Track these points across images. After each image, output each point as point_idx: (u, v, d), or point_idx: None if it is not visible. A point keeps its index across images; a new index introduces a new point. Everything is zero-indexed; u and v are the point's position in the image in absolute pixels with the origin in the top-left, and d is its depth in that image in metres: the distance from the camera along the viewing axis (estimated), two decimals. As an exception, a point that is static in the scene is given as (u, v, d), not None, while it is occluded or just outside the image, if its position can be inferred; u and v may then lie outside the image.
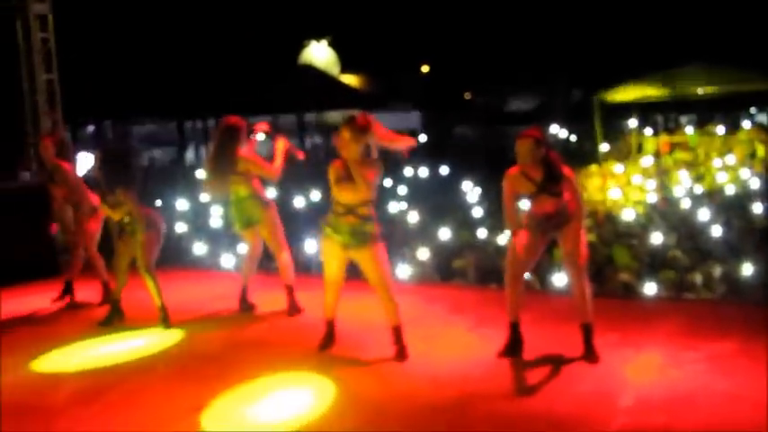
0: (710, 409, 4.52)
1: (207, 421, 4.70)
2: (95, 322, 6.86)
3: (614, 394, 4.79)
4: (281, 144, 6.65)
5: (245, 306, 6.98)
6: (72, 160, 7.72)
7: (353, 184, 5.43)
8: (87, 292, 7.73)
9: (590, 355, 5.35)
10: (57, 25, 9.48)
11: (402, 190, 11.82)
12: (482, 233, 10.07)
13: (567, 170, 5.30)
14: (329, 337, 5.86)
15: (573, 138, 19.51)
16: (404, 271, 8.25)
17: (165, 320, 6.61)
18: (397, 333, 5.60)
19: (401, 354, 5.56)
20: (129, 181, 6.50)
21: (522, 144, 5.24)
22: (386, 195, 11.20)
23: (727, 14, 22.81)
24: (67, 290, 7.68)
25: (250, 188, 6.63)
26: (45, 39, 9.36)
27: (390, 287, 5.57)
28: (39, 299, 7.80)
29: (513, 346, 5.52)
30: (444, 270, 8.86)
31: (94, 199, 7.22)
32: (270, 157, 6.69)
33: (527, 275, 5.98)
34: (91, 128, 26.82)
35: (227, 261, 9.02)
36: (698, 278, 7.77)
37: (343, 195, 5.49)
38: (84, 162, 10.05)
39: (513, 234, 5.44)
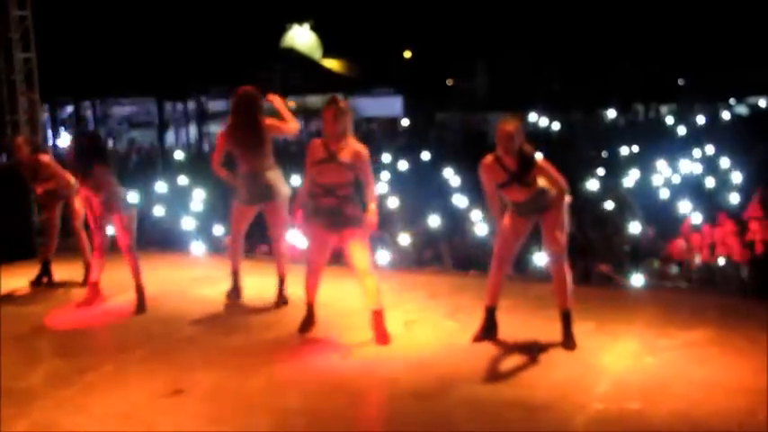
0: (685, 395, 4.59)
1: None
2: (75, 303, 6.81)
3: (591, 380, 4.84)
4: (277, 100, 6.54)
5: (236, 293, 6.66)
6: (55, 137, 7.70)
7: (334, 165, 5.43)
8: (64, 272, 7.69)
9: (568, 341, 5.40)
10: (35, 3, 9.33)
11: (384, 176, 11.84)
12: (461, 220, 10.07)
13: (539, 159, 5.32)
14: (309, 321, 5.86)
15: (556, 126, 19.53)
16: (383, 257, 8.24)
17: (142, 303, 6.58)
18: (378, 317, 5.60)
19: (382, 337, 5.58)
20: (105, 160, 6.44)
21: (502, 131, 5.26)
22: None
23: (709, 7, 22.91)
24: (45, 271, 7.64)
25: (271, 160, 6.43)
26: (23, 17, 9.21)
27: (371, 270, 5.58)
28: (15, 280, 7.73)
29: (488, 330, 5.58)
30: (422, 256, 8.88)
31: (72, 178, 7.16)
32: None
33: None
34: (69, 108, 26.54)
35: (205, 244, 8.99)
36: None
37: (323, 176, 5.49)
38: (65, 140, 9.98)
39: (498, 220, 5.50)
